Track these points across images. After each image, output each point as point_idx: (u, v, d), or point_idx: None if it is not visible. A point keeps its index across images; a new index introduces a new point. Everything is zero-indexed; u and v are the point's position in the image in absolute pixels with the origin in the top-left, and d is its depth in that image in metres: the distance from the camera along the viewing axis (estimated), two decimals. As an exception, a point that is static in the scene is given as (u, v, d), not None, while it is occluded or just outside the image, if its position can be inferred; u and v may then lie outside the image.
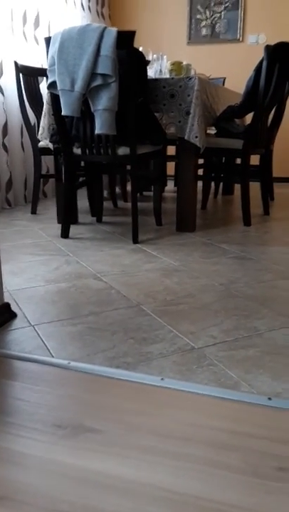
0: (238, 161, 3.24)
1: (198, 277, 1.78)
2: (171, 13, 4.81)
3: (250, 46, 4.60)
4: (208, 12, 4.70)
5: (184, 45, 4.82)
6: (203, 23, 4.74)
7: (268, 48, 2.39)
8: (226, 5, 4.62)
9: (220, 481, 0.76)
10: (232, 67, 4.64)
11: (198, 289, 1.65)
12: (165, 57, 2.58)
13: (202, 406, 0.95)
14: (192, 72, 2.67)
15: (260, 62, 2.46)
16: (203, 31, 4.76)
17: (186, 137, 2.27)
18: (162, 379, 1.03)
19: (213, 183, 4.09)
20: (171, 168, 4.72)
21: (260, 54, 2.55)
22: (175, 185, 4.28)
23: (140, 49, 2.47)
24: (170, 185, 4.52)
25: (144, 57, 2.11)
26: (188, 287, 1.67)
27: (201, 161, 3.24)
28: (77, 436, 0.86)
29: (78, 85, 1.94)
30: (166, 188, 4.35)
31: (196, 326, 1.33)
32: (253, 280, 1.75)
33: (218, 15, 4.67)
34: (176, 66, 2.55)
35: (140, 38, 4.90)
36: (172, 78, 2.26)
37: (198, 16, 4.73)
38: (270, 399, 0.96)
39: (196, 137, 2.24)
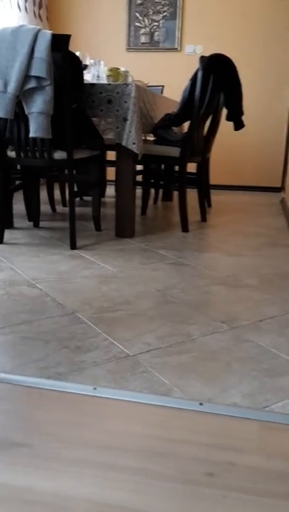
0: (177, 168, 3.29)
1: (136, 283, 1.78)
2: (110, 19, 4.82)
3: (188, 56, 4.71)
4: (146, 20, 4.76)
5: (124, 51, 4.85)
6: (142, 31, 4.79)
7: (203, 59, 2.45)
8: (164, 14, 4.70)
9: (151, 491, 0.76)
10: (170, 75, 4.73)
11: (135, 295, 1.65)
12: (102, 62, 2.58)
13: (135, 414, 0.95)
14: (130, 79, 2.68)
15: (196, 73, 2.52)
16: (142, 39, 4.81)
17: (123, 143, 2.28)
18: (95, 388, 1.02)
19: (153, 190, 4.13)
20: (112, 173, 4.71)
21: (197, 64, 2.61)
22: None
23: (77, 53, 2.45)
24: (112, 191, 4.52)
25: (80, 62, 2.09)
26: (125, 294, 1.66)
27: (140, 167, 3.26)
28: (3, 451, 0.83)
29: (11, 87, 1.88)
30: (107, 193, 4.34)
31: (131, 332, 1.33)
32: (188, 286, 1.77)
33: (157, 24, 4.74)
34: (114, 72, 2.55)
35: (78, 42, 4.87)
36: (109, 84, 2.26)
37: (137, 24, 4.78)
38: (201, 404, 0.97)
39: (134, 144, 2.26)
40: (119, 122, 2.28)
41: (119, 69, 2.57)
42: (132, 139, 2.25)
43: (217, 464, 0.80)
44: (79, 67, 2.07)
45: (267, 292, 1.74)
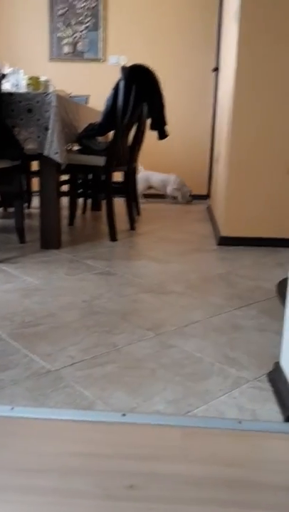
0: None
1: (61, 295, 1.73)
2: (32, 28, 4.75)
3: (112, 66, 4.74)
4: (69, 30, 4.74)
5: (46, 61, 4.79)
6: (65, 41, 4.76)
7: (125, 69, 2.47)
8: (87, 25, 4.71)
9: (73, 511, 0.72)
10: (95, 86, 4.73)
11: (60, 307, 1.60)
12: (22, 71, 2.52)
13: (55, 432, 0.91)
14: (51, 88, 2.64)
15: (118, 82, 2.53)
16: (66, 49, 4.78)
17: (45, 153, 2.23)
18: (12, 408, 0.96)
19: (81, 200, 4.08)
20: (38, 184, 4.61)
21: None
22: (43, 202, 4.18)
23: (-6, 61, 2.37)
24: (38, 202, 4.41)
25: (-4, 69, 2.03)
26: (49, 306, 1.61)
27: (67, 178, 3.21)
28: None
29: None
30: (34, 204, 4.23)
31: (54, 347, 1.28)
32: (115, 295, 1.76)
33: (80, 34, 4.74)
34: (34, 81, 2.50)
35: None
36: (28, 93, 2.21)
37: (60, 34, 4.75)
38: (123, 415, 0.95)
39: (56, 153, 2.21)
40: (41, 132, 2.23)
41: (39, 78, 2.53)
42: (54, 148, 2.21)
43: (139, 476, 0.78)
44: (-6, 74, 2.00)
45: (192, 297, 1.76)
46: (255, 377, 1.14)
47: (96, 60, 4.78)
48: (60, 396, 1.02)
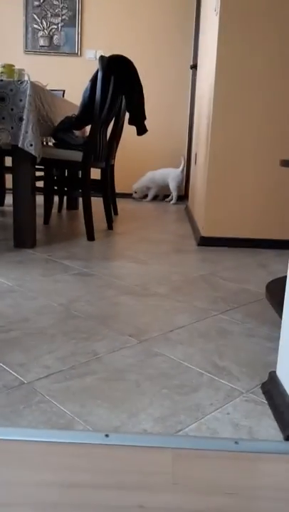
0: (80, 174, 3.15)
1: (36, 298, 1.61)
2: (5, 20, 4.57)
3: (89, 61, 4.61)
4: (44, 22, 4.58)
5: (21, 53, 4.62)
6: (41, 33, 4.61)
7: (103, 59, 2.35)
8: (63, 17, 4.57)
9: None
10: (71, 80, 4.59)
11: (35, 311, 1.48)
12: (-6, 58, 2.37)
13: (29, 456, 0.79)
14: (25, 78, 2.50)
15: (96, 73, 2.42)
16: (41, 41, 4.63)
17: (19, 145, 2.09)
18: (-21, 429, 0.84)
19: (56, 198, 3.94)
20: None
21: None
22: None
23: None
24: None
25: None
26: (22, 310, 1.48)
27: (41, 174, 3.07)
28: None
29: None
30: (9, 202, 4.06)
31: (27, 355, 1.16)
32: (94, 298, 1.64)
33: (56, 27, 4.59)
34: (7, 69, 2.36)
35: (-28, 41, 4.55)
36: (1, 81, 2.07)
37: (35, 26, 4.59)
38: (107, 436, 0.84)
39: (31, 145, 2.08)
40: (14, 122, 2.09)
41: (13, 65, 2.39)
42: (28, 140, 2.08)
43: (125, 510, 0.68)
44: None
45: (176, 300, 1.66)
46: (248, 389, 1.05)
47: (72, 54, 4.64)
48: (34, 413, 0.91)
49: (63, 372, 1.08)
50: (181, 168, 4.54)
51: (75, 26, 4.57)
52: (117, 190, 3.88)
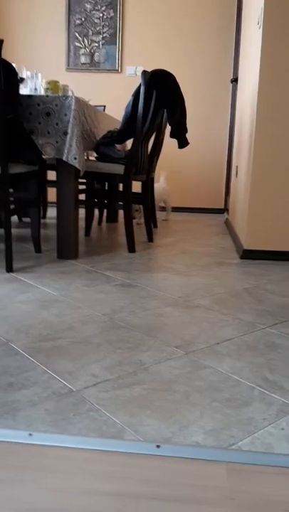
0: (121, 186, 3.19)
1: (80, 307, 1.62)
2: (49, 38, 4.73)
3: (129, 77, 4.69)
4: (86, 40, 4.71)
5: (63, 70, 4.76)
6: (82, 51, 4.73)
7: (146, 74, 2.38)
8: (104, 35, 4.68)
9: None
10: (111, 96, 4.68)
11: (80, 320, 1.49)
12: (40, 74, 2.45)
13: (79, 464, 0.78)
14: (69, 93, 2.57)
15: (138, 88, 2.45)
16: (82, 59, 4.75)
17: (64, 158, 2.13)
18: (30, 434, 0.84)
19: (97, 211, 3.99)
20: (53, 194, 4.53)
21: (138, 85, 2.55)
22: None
23: (13, 65, 2.30)
24: (53, 212, 4.33)
25: (15, 70, 1.95)
26: (67, 319, 1.49)
27: (83, 187, 3.13)
28: None
29: None
30: (50, 215, 4.15)
31: (75, 364, 1.16)
32: (138, 308, 1.64)
33: (97, 44, 4.70)
34: (53, 85, 2.43)
35: (16, 57, 4.71)
36: (47, 96, 2.13)
37: (77, 44, 4.72)
38: (158, 446, 0.82)
39: (75, 158, 2.12)
40: (59, 136, 2.14)
41: (58, 82, 2.45)
42: (73, 153, 2.12)
43: (182, 525, 0.66)
44: (13, 75, 1.92)
45: (221, 313, 1.63)
46: (302, 404, 1.01)
47: (113, 70, 4.74)
48: (83, 421, 0.90)
49: (111, 381, 1.07)
50: (160, 182, 4.07)
51: (116, 44, 4.67)
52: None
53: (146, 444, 0.83)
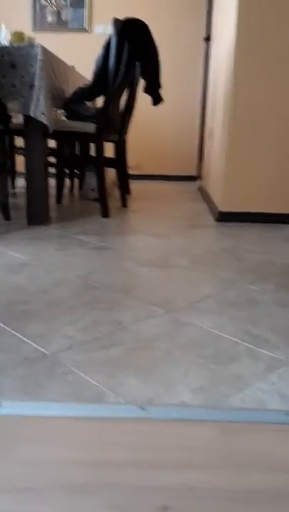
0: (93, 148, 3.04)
1: (52, 271, 1.52)
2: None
3: (98, 37, 4.46)
4: (52, -3, 4.43)
5: (29, 30, 4.48)
6: (48, 9, 4.46)
7: (117, 23, 2.23)
8: (71, -9, 4.41)
9: None
10: (80, 56, 4.44)
11: (52, 283, 1.39)
12: (3, 25, 2.26)
13: (55, 433, 0.70)
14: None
15: (109, 40, 2.29)
16: (49, 18, 4.48)
17: (31, 113, 1.98)
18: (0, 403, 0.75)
19: (68, 180, 3.83)
20: (22, 164, 4.34)
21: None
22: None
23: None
24: (22, 182, 4.14)
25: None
26: (40, 283, 1.39)
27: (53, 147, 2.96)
28: None
29: None
30: (19, 184, 3.96)
31: (47, 326, 1.07)
32: (113, 270, 1.55)
33: (64, 3, 4.44)
34: (18, 37, 2.25)
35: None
36: (12, 46, 1.96)
37: (43, 2, 4.44)
38: (143, 408, 0.75)
39: (43, 114, 1.97)
40: (26, 90, 1.98)
41: (23, 33, 2.27)
42: (40, 108, 1.97)
43: (172, 491, 0.59)
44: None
45: (199, 271, 1.56)
46: (291, 359, 0.95)
47: (81, 30, 4.50)
48: (58, 385, 0.82)
49: (87, 343, 0.99)
50: None
51: (84, 1, 4.42)
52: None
53: (129, 407, 0.75)
